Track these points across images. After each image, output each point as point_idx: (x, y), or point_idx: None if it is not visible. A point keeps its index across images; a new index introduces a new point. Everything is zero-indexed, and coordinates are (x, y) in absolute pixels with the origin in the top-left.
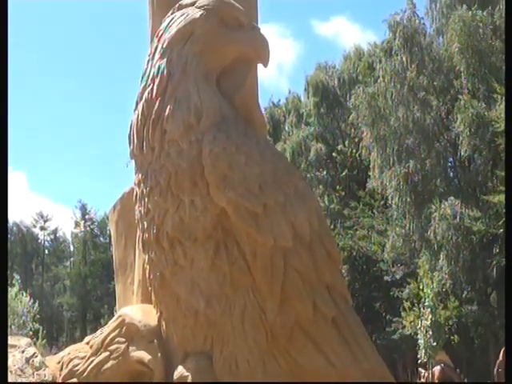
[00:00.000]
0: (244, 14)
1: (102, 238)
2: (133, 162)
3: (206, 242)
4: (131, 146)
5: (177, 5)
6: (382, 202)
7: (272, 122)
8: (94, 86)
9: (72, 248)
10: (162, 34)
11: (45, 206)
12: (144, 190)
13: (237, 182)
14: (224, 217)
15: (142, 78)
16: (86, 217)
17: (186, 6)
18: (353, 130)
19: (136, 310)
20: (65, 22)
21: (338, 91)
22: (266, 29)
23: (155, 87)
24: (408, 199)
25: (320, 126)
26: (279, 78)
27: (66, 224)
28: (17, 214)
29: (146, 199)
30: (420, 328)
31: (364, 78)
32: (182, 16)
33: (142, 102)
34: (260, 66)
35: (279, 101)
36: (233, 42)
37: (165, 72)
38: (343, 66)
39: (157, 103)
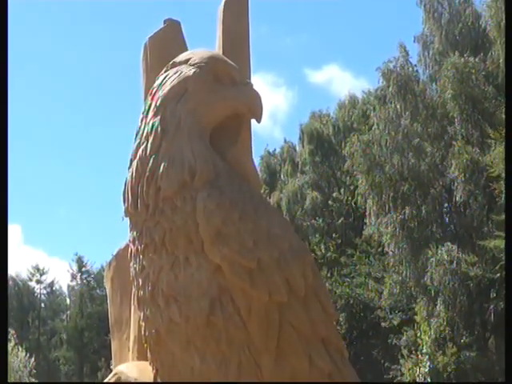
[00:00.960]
0: (237, 70)
1: (98, 291)
2: (127, 219)
3: (201, 299)
4: (126, 204)
5: (170, 62)
6: (379, 249)
7: (268, 171)
8: (89, 140)
9: (68, 301)
10: (155, 92)
11: (41, 259)
12: (139, 248)
13: (231, 238)
14: (219, 273)
15: (136, 135)
16: (83, 269)
17: (180, 63)
18: (348, 177)
19: (132, 368)
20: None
21: (333, 139)
22: (259, 78)
23: (149, 145)
24: (404, 245)
25: (315, 175)
26: (273, 127)
27: (62, 277)
28: (12, 267)
29: (141, 256)
30: (418, 375)
31: (359, 126)
32: (175, 74)
33: (136, 160)
34: (253, 121)
35: (274, 150)
36: (226, 99)
37: (159, 129)
38: (338, 114)
39: (151, 161)
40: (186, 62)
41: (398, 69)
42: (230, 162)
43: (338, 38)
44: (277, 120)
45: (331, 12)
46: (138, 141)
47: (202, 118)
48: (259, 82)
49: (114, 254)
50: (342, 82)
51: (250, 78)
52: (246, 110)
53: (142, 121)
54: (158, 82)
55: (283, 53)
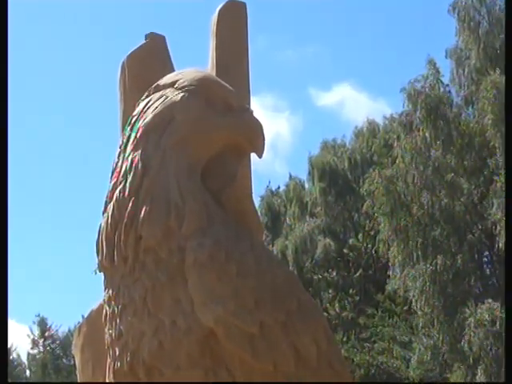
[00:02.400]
0: (234, 93)
1: (65, 360)
2: (102, 274)
3: (191, 370)
4: (100, 256)
5: (153, 85)
6: (405, 308)
7: (270, 214)
8: (53, 178)
9: (28, 372)
10: (135, 121)
11: None
12: (115, 309)
13: (227, 297)
14: (212, 339)
15: (112, 173)
16: (46, 334)
17: (165, 86)
18: (367, 221)
19: None
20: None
21: (349, 175)
22: (256, 101)
23: (128, 184)
24: (436, 303)
25: (328, 218)
26: (275, 159)
27: (21, 343)
28: None
29: (118, 320)
30: None
31: (380, 159)
32: (159, 99)
33: (112, 202)
34: (254, 155)
35: (278, 188)
36: (221, 129)
37: (139, 166)
38: (354, 144)
39: (130, 204)
40: (172, 84)
41: (427, 89)
42: (226, 204)
43: (352, 51)
44: (279, 151)
45: (342, 20)
46: (114, 179)
47: (192, 151)
48: (256, 105)
49: (85, 316)
50: (357, 106)
51: (249, 103)
52: (245, 142)
53: (119, 155)
54: (138, 109)
55: (285, 69)
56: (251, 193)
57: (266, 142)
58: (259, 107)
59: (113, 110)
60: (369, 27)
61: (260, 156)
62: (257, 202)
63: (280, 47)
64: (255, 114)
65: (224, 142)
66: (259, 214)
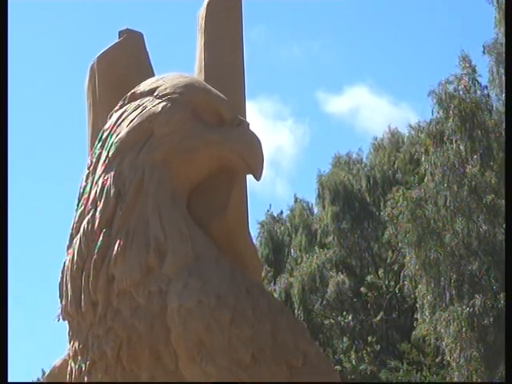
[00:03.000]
0: (226, 103)
1: None
2: (66, 322)
3: None
4: (63, 301)
5: (129, 93)
6: (437, 359)
7: (272, 245)
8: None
9: None
10: (107, 137)
11: None
12: (83, 366)
13: (219, 351)
14: None
15: (79, 200)
16: None
17: (142, 94)
18: (390, 252)
19: None
20: None
21: (367, 197)
22: (253, 107)
23: (98, 214)
24: (474, 353)
25: (342, 249)
26: (276, 178)
27: None
28: None
29: (86, 378)
30: None
31: (404, 177)
32: (135, 110)
33: (78, 236)
34: (250, 178)
35: (281, 213)
36: (210, 146)
37: (112, 191)
38: (373, 159)
39: (100, 237)
40: (151, 92)
41: (461, 92)
42: (217, 235)
43: (368, 45)
44: (281, 168)
45: (356, 9)
46: (81, 208)
47: (176, 173)
48: (253, 112)
49: (46, 375)
50: (376, 112)
51: (245, 114)
52: (240, 162)
53: (87, 178)
54: (110, 122)
55: (287, 68)
56: (247, 222)
57: (264, 160)
58: (256, 115)
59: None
60: (388, 16)
61: (258, 178)
62: (255, 229)
63: (281, 41)
64: (252, 128)
65: (215, 162)
66: (258, 245)
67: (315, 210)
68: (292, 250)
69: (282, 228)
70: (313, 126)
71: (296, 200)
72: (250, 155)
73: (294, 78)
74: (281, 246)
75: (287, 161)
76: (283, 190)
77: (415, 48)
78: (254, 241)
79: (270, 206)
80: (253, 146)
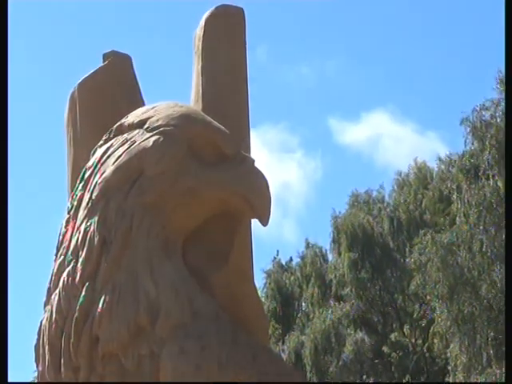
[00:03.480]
0: (227, 137)
1: None
2: None
3: None
4: (41, 366)
5: (115, 125)
6: None
7: (280, 298)
8: None
9: None
10: (90, 176)
11: None
12: None
13: None
14: None
15: (58, 249)
16: None
17: (131, 127)
18: (417, 305)
19: None
20: None
21: (390, 242)
22: (256, 137)
23: (80, 265)
24: None
25: (361, 302)
26: (283, 220)
27: None
28: None
29: None
30: None
31: (434, 218)
32: (123, 145)
33: (57, 291)
34: (255, 223)
35: (290, 260)
36: (210, 187)
37: (96, 240)
38: (397, 197)
39: (83, 293)
40: (140, 124)
41: (499, 120)
42: (218, 290)
43: (389, 65)
44: (289, 208)
45: (375, 24)
46: (60, 258)
47: (170, 219)
48: (256, 143)
49: None
50: (399, 143)
51: (249, 149)
52: (244, 205)
53: (67, 223)
54: (94, 159)
55: (296, 93)
56: (251, 273)
57: (272, 202)
58: (259, 146)
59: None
60: (412, 33)
61: (265, 224)
62: (260, 280)
63: (288, 61)
64: (258, 164)
65: (215, 206)
66: (263, 298)
67: (329, 256)
68: (303, 304)
69: (292, 278)
70: (325, 159)
71: (307, 245)
72: (255, 197)
73: (304, 104)
74: (290, 299)
75: (296, 200)
76: (292, 234)
77: (444, 69)
78: (260, 293)
79: (278, 252)
80: (259, 186)
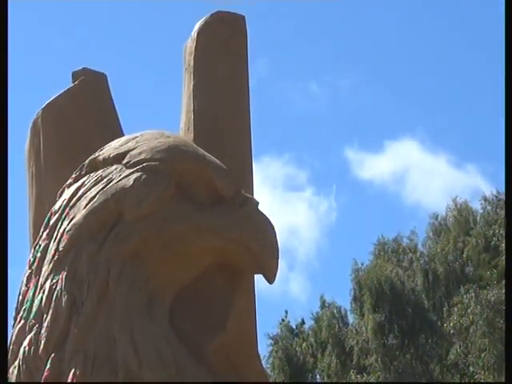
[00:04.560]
0: (224, 174)
1: None
2: None
3: None
4: None
5: (88, 160)
6: None
7: (289, 369)
8: None
9: None
10: (56, 222)
11: None
12: None
13: None
14: None
15: (18, 312)
16: None
17: (106, 162)
18: (457, 379)
19: None
20: None
21: (425, 300)
22: (257, 169)
23: (44, 332)
24: None
25: (388, 374)
26: (289, 273)
27: None
28: None
29: None
30: None
31: (478, 271)
32: (97, 184)
33: (16, 364)
34: (259, 279)
35: (302, 323)
36: (203, 234)
37: (64, 300)
38: (432, 246)
39: (48, 365)
40: (119, 158)
41: None
42: (214, 360)
43: (417, 85)
44: (297, 259)
45: (396, 34)
46: (20, 323)
47: (154, 273)
48: (256, 179)
49: None
50: (430, 178)
51: (251, 189)
52: (245, 257)
53: (29, 280)
54: (61, 202)
55: (304, 117)
56: (255, 340)
57: (278, 257)
58: (259, 182)
59: None
60: (443, 45)
61: (271, 280)
62: (264, 346)
63: (295, 79)
64: (262, 207)
65: (209, 257)
66: (269, 369)
67: (350, 318)
68: (318, 376)
69: (304, 345)
70: (341, 199)
71: (323, 305)
72: (260, 248)
73: (314, 130)
74: (301, 371)
75: (305, 248)
76: (301, 291)
77: (485, 87)
78: (265, 362)
79: (286, 313)
80: (264, 234)
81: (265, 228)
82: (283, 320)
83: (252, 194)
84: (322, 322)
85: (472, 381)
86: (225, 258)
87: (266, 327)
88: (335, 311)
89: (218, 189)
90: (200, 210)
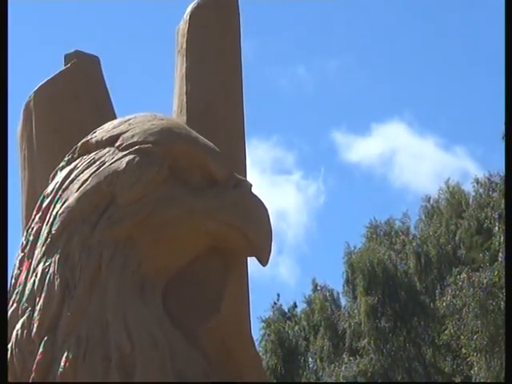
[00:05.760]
0: (217, 155)
1: None
2: None
3: None
4: None
5: (80, 142)
6: None
7: (282, 353)
8: None
9: None
10: (48, 205)
11: None
12: None
13: None
14: None
15: (10, 295)
16: None
17: (99, 144)
18: (449, 360)
19: None
20: None
21: (417, 282)
22: (249, 152)
23: (36, 316)
24: None
25: (381, 357)
26: (278, 257)
27: None
28: None
29: None
30: None
31: (470, 254)
32: (89, 166)
33: (9, 347)
34: (252, 262)
35: (294, 307)
36: (196, 217)
37: (56, 283)
38: (424, 229)
39: (40, 348)
40: (111, 141)
41: None
42: (207, 344)
43: (405, 66)
44: (286, 243)
45: (383, 14)
46: (13, 306)
47: (147, 256)
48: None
49: None
50: (417, 160)
51: (245, 171)
52: (239, 240)
53: (21, 263)
54: (53, 185)
55: (291, 99)
56: (248, 323)
57: (272, 239)
58: (248, 166)
59: None
60: (431, 24)
61: (265, 262)
62: (257, 330)
63: (284, 60)
64: (254, 190)
65: (202, 241)
66: (262, 352)
67: (342, 301)
68: (310, 359)
69: (296, 328)
70: (329, 181)
71: (315, 288)
72: (253, 230)
73: (301, 113)
74: (294, 354)
75: (294, 231)
76: (290, 274)
77: (475, 67)
78: (257, 346)
79: (278, 296)
80: (257, 216)
81: (258, 210)
82: (275, 303)
83: (245, 177)
84: (314, 305)
85: (464, 363)
86: (218, 241)
87: (258, 311)
88: (327, 294)
89: (211, 172)
90: (193, 193)
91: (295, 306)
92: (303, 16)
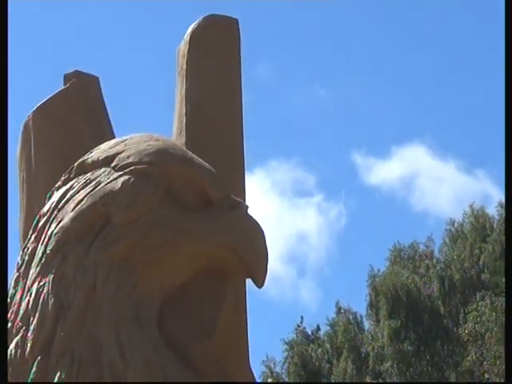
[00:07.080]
0: (214, 177)
1: None
2: None
3: None
4: None
5: (76, 163)
6: None
7: (305, 374)
8: None
9: None
10: (44, 224)
11: None
12: None
13: None
14: None
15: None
16: None
17: (95, 164)
18: None
19: None
20: None
21: (441, 307)
22: (263, 176)
23: (30, 335)
24: None
25: (404, 379)
26: (299, 280)
27: None
28: None
29: None
30: None
31: (494, 278)
32: (85, 186)
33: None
34: (273, 286)
35: (317, 330)
36: (192, 239)
37: (50, 303)
38: (448, 253)
39: (33, 368)
40: (107, 162)
41: None
42: (202, 366)
43: (424, 88)
44: (307, 266)
45: (404, 36)
46: (8, 325)
47: (142, 277)
48: (265, 183)
49: None
50: (438, 183)
51: (243, 193)
52: (234, 261)
53: (16, 283)
54: (49, 205)
55: (310, 120)
56: (246, 346)
57: (268, 258)
58: (267, 188)
59: None
60: (451, 49)
61: (260, 284)
62: (280, 352)
63: (305, 82)
64: (252, 212)
65: (198, 262)
66: (284, 374)
67: (366, 324)
68: (333, 382)
69: (320, 350)
70: (350, 204)
71: (339, 311)
72: (249, 252)
73: (322, 135)
74: (317, 376)
75: (315, 254)
76: (311, 297)
77: (493, 92)
78: (280, 368)
79: (302, 319)
80: (253, 238)
81: (254, 232)
82: (299, 326)
83: (244, 199)
84: (337, 328)
85: None
86: (214, 263)
87: (282, 333)
88: (351, 317)
89: (207, 193)
90: (188, 215)
91: (318, 328)
92: (325, 38)
